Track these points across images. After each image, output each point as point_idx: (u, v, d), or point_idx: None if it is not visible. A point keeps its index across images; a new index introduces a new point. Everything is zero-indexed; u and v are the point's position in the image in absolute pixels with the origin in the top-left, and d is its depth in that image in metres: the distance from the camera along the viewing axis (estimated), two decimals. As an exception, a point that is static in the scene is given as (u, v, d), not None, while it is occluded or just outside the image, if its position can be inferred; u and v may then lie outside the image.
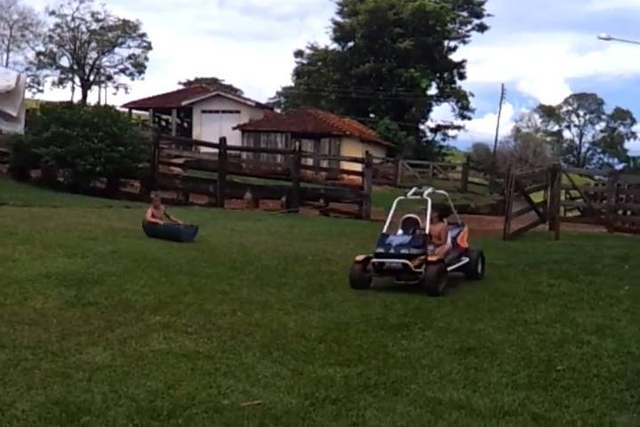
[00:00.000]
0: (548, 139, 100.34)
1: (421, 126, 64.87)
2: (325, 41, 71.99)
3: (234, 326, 7.94)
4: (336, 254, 13.46)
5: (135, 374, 6.06)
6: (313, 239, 15.96)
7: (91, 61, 75.78)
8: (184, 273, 10.64)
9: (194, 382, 5.94)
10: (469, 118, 67.01)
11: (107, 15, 74.62)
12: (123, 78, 78.97)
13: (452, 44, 64.83)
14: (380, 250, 10.57)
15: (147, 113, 50.60)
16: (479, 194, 40.72)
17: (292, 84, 71.27)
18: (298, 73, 68.45)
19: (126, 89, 78.78)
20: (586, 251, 14.36)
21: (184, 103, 46.31)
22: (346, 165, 32.66)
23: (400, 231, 11.13)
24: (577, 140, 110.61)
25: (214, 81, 74.93)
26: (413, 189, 11.51)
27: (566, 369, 6.73)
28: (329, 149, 42.44)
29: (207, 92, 48.43)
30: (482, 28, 66.10)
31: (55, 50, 74.90)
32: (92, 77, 76.41)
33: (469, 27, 65.93)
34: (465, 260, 11.35)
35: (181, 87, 64.69)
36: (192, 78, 79.26)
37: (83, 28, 74.22)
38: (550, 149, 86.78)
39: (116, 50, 77.13)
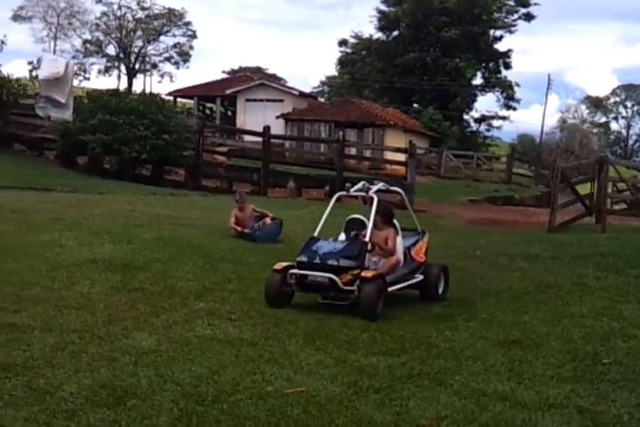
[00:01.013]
0: (595, 130, 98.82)
1: (466, 116, 64.36)
2: (370, 30, 71.79)
3: (277, 313, 7.97)
4: (379, 244, 13.42)
5: (180, 359, 6.12)
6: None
7: (136, 50, 76.51)
8: (227, 261, 10.71)
9: (238, 369, 5.98)
10: (514, 109, 66.32)
11: (152, 3, 75.31)
12: (168, 67, 79.71)
13: (498, 33, 64.16)
14: (303, 258, 8.33)
15: (191, 101, 50.95)
16: (524, 185, 40.31)
17: (336, 74, 71.19)
18: (342, 62, 68.32)
19: (171, 77, 79.52)
20: (632, 244, 14.15)
21: (228, 92, 46.49)
22: (389, 155, 32.52)
23: (342, 236, 8.98)
24: (624, 131, 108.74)
25: (258, 70, 75.12)
26: (359, 184, 9.08)
27: (612, 363, 6.64)
28: (372, 138, 42.33)
29: (251, 80, 48.57)
30: (528, 17, 65.19)
31: (101, 38, 75.81)
32: (137, 66, 77.07)
33: (516, 16, 65.03)
34: (419, 277, 9.09)
35: (225, 76, 65.01)
36: (236, 67, 79.58)
37: (129, 16, 75.01)
38: (597, 141, 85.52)
39: (162, 38, 77.86)
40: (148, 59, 78.13)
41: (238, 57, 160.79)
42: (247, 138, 34.26)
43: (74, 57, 72.08)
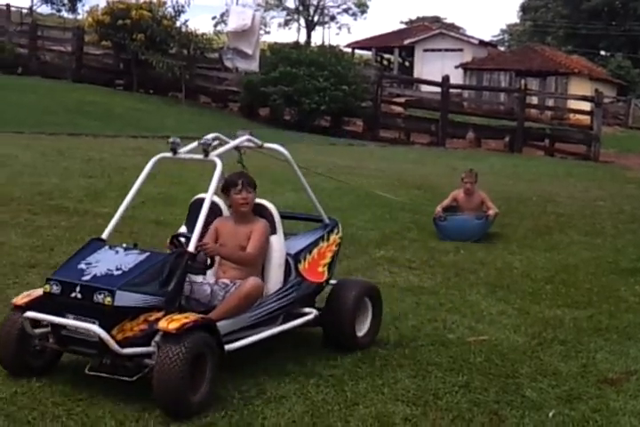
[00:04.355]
0: None
1: (658, 63, 60.60)
2: (555, -26, 68.22)
3: (457, 263, 7.94)
4: (562, 196, 13.05)
5: (362, 304, 6.20)
6: (537, 180, 15.53)
7: (315, 2, 76.75)
8: (407, 210, 10.73)
9: (419, 316, 6.01)
10: None
11: (331, -46, 74.89)
12: (345, 18, 79.67)
13: (697, -28, 59.58)
14: (54, 287, 4.28)
15: (369, 53, 50.80)
16: None
17: (518, 21, 68.80)
18: (524, 9, 65.90)
19: (349, 29, 79.69)
20: None
21: (406, 42, 46.01)
22: (573, 104, 31.23)
23: (182, 229, 5.11)
24: None
25: (436, 19, 73.63)
26: (208, 136, 4.88)
27: None
28: (555, 87, 40.73)
29: (429, 30, 47.81)
30: None
31: (281, -9, 76.50)
32: (315, 18, 77.51)
33: None
34: (309, 313, 5.10)
35: (403, 26, 64.24)
36: (414, 17, 78.38)
37: (308, -32, 75.10)
38: None
39: (340, -10, 77.56)
40: (326, 11, 78.35)
41: (416, 7, 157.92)
42: (424, 88, 33.86)
43: (255, 11, 73.35)
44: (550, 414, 4.27)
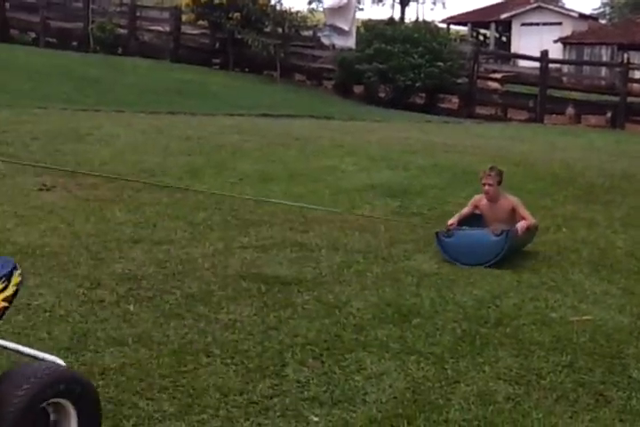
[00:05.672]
0: None
1: None
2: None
3: (558, 241, 7.76)
4: (668, 173, 12.59)
5: (461, 282, 6.15)
6: (642, 157, 15.05)
7: (409, -23, 75.78)
8: (504, 187, 10.53)
9: (519, 295, 5.91)
10: None
11: None
12: (440, -7, 78.24)
13: None
14: None
15: (464, 28, 49.98)
16: None
17: (620, -7, 66.37)
18: (627, -20, 63.50)
19: (443, 4, 78.57)
20: None
21: (503, 16, 45.08)
22: (679, 79, 30.09)
23: None
24: None
25: (535, -8, 71.81)
26: None
27: None
28: (659, 61, 39.28)
29: (527, 3, 46.64)
30: None
31: (376, -33, 75.70)
32: (410, -7, 76.53)
33: None
34: None
35: (500, 0, 62.87)
36: (511, -10, 76.60)
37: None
38: None
39: (436, -37, 76.29)
40: (420, -14, 77.28)
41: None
42: (522, 63, 33.17)
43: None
44: (659, 397, 4.16)
